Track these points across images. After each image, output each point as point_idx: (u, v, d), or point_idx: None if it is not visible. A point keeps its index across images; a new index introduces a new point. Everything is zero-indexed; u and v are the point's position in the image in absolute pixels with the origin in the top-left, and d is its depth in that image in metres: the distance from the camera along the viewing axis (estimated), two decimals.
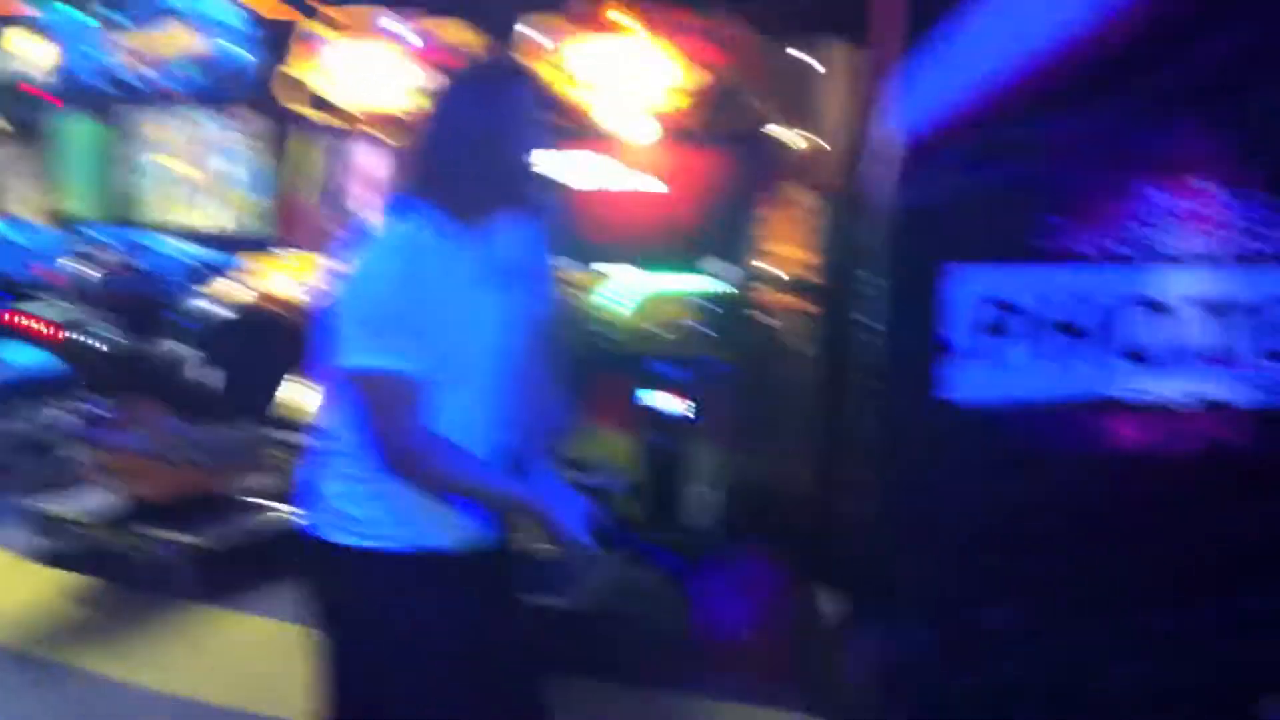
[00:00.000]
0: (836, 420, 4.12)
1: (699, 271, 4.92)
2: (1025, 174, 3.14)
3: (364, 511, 2.24)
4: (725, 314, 4.77)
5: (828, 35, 4.83)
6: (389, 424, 2.16)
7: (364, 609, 2.25)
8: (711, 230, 5.07)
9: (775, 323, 5.09)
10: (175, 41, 5.78)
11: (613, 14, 4.84)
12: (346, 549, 2.24)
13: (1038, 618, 3.22)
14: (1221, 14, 3.03)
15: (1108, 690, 3.20)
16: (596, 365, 4.22)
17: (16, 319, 4.83)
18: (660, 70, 4.90)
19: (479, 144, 2.22)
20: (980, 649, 3.25)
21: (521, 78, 2.43)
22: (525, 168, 2.29)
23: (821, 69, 4.83)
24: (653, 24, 4.82)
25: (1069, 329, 3.17)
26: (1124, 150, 3.11)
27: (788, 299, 5.26)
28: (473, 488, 2.31)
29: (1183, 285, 3.13)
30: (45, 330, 4.80)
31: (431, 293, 2.15)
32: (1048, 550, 3.20)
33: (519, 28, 4.87)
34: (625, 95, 4.97)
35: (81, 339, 4.79)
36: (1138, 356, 3.15)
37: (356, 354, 2.14)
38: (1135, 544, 3.17)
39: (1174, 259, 3.12)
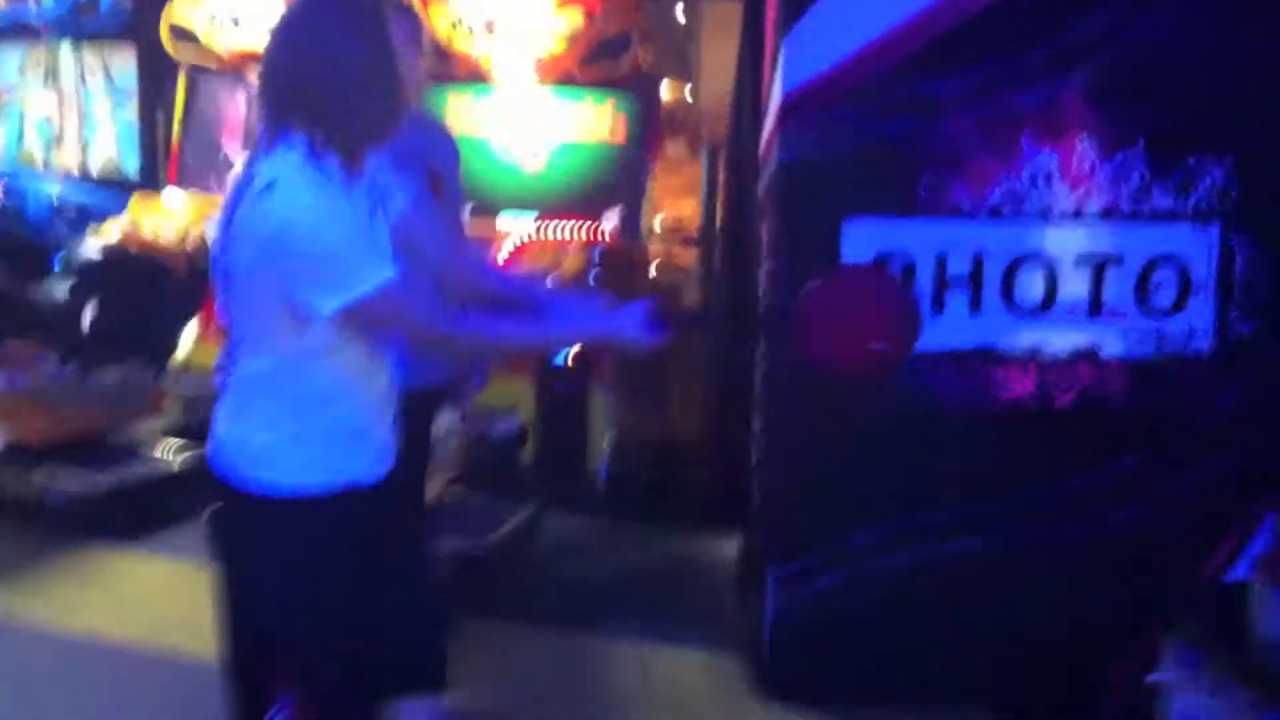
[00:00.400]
0: (727, 371, 4.22)
1: (588, 221, 4.98)
2: (913, 130, 3.25)
3: (289, 456, 2.17)
4: (615, 263, 4.83)
5: None
6: (419, 326, 2.17)
7: (282, 551, 2.21)
8: (599, 180, 5.13)
9: (664, 273, 5.18)
10: None
11: None
12: (266, 495, 2.17)
13: (927, 559, 3.37)
14: None
15: (1002, 630, 3.36)
16: None
17: None
18: (547, 16, 4.93)
19: (351, 71, 2.11)
20: (871, 591, 3.39)
21: (392, 7, 2.31)
22: (395, 99, 2.19)
23: (708, 21, 4.88)
24: None
25: (953, 281, 3.30)
26: (1008, 109, 3.22)
27: (675, 250, 5.35)
28: (536, 339, 2.42)
29: (1062, 240, 3.28)
30: None
31: (350, 220, 2.11)
32: (936, 495, 3.36)
33: None
34: (511, 41, 4.99)
35: None
36: (1018, 308, 3.30)
37: (338, 289, 2.05)
38: (1017, 487, 3.34)
39: (1054, 215, 3.26)
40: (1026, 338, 3.30)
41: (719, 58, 4.89)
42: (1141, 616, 3.22)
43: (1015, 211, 3.26)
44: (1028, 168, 3.26)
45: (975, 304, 3.31)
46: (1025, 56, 3.20)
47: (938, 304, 3.29)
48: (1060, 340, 3.30)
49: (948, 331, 3.30)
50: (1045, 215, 3.26)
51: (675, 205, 6.00)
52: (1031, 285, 3.29)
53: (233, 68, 5.39)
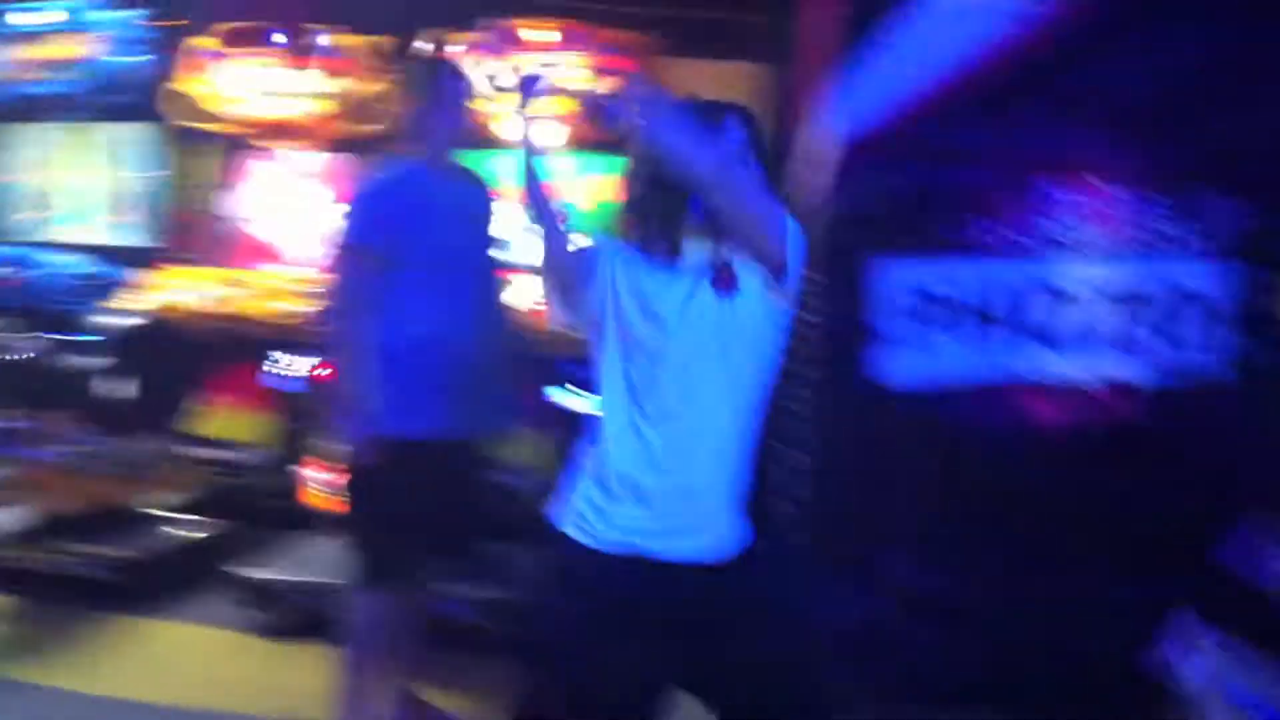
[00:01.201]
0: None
1: None
2: (943, 176, 3.45)
3: None
4: None
5: (746, 54, 4.98)
6: None
7: None
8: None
9: None
10: (63, 50, 5.68)
11: (526, 30, 4.97)
12: None
13: (962, 587, 3.48)
14: (1125, 26, 3.36)
15: (1028, 656, 3.45)
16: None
17: None
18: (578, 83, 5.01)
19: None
20: (907, 619, 3.49)
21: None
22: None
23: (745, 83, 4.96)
24: (566, 38, 4.95)
25: (983, 315, 3.47)
26: (1032, 154, 3.43)
27: None
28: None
29: (1085, 275, 3.47)
30: None
31: None
32: (969, 521, 3.47)
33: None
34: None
35: None
36: (1045, 340, 3.47)
37: None
38: (1044, 512, 3.44)
39: (1077, 252, 3.46)
40: (1056, 369, 3.47)
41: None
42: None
43: (1042, 248, 3.45)
44: (1053, 207, 3.45)
45: (1006, 338, 3.48)
46: (1051, 103, 3.38)
47: (970, 338, 3.46)
48: (1090, 371, 3.47)
49: (979, 365, 3.47)
50: (1071, 251, 3.45)
51: None
52: (1060, 318, 3.47)
53: (246, 139, 5.47)
